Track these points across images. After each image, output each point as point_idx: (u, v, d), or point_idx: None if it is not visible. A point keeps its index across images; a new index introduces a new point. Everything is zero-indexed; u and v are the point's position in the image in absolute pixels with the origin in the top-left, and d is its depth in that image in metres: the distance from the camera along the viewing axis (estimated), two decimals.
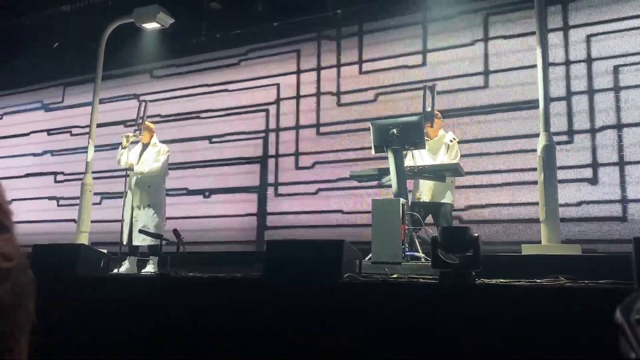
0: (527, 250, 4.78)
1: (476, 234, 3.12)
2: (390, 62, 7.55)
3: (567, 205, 5.99)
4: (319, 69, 8.06)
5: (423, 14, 7.41)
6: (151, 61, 8.90)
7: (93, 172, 7.48)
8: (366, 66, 7.76)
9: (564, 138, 6.35)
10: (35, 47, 9.43)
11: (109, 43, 7.90)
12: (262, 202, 8.02)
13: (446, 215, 5.32)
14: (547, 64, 5.39)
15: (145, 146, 6.15)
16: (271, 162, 8.12)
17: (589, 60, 6.43)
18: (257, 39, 8.31)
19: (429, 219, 5.36)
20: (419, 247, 4.57)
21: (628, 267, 2.86)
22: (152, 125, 6.31)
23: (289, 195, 7.88)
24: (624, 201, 5.96)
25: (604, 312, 2.47)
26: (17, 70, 9.95)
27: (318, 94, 7.98)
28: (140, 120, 6.18)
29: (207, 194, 8.36)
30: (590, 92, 6.39)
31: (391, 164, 4.70)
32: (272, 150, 8.13)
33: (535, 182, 5.41)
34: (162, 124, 8.25)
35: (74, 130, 9.70)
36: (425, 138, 5.05)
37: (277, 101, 8.22)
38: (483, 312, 2.78)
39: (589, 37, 6.49)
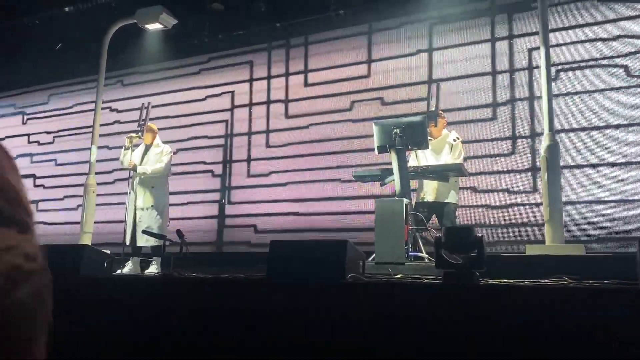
0: (531, 250, 4.77)
1: (480, 234, 3.11)
2: (336, 72, 7.81)
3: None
4: (268, 77, 8.39)
5: (369, 25, 7.70)
6: (154, 62, 8.94)
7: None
8: (312, 77, 8.04)
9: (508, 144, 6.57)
10: (38, 48, 9.46)
11: (112, 44, 7.92)
12: (221, 205, 8.33)
13: (450, 215, 5.31)
14: (549, 65, 5.38)
15: (148, 147, 6.16)
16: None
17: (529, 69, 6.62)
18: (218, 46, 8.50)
19: (433, 218, 5.36)
20: (422, 248, 4.57)
21: (633, 267, 2.85)
22: (154, 127, 6.32)
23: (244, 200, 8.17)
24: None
25: (609, 312, 2.47)
26: (19, 71, 9.98)
27: (268, 101, 8.32)
28: (143, 122, 6.20)
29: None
30: (531, 98, 6.56)
31: (394, 164, 4.69)
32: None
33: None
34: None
35: (78, 131, 9.74)
36: (429, 137, 5.04)
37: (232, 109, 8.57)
38: (487, 312, 2.77)
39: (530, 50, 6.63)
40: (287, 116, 8.16)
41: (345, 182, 7.31)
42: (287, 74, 8.25)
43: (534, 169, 6.36)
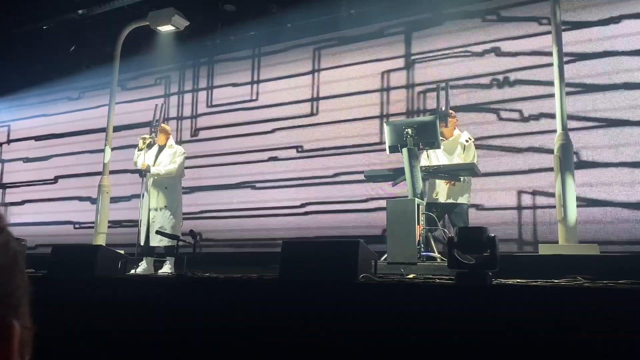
0: (544, 250, 4.74)
1: (493, 234, 3.10)
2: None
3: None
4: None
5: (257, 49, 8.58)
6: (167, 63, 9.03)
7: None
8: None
9: None
10: (52, 51, 9.57)
11: (125, 46, 8.00)
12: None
13: (463, 215, 5.30)
14: (562, 63, 5.34)
15: (161, 148, 6.21)
16: None
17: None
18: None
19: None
20: (434, 248, 4.56)
21: None
22: (167, 127, 6.36)
23: None
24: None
25: (623, 312, 2.45)
26: (34, 74, 10.09)
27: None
28: (156, 123, 6.24)
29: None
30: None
31: (406, 164, 4.69)
32: None
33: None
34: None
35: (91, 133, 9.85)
36: (441, 138, 5.03)
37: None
38: (500, 312, 2.76)
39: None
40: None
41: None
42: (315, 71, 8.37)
43: (546, 169, 6.31)
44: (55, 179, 10.16)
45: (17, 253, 0.39)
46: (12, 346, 0.36)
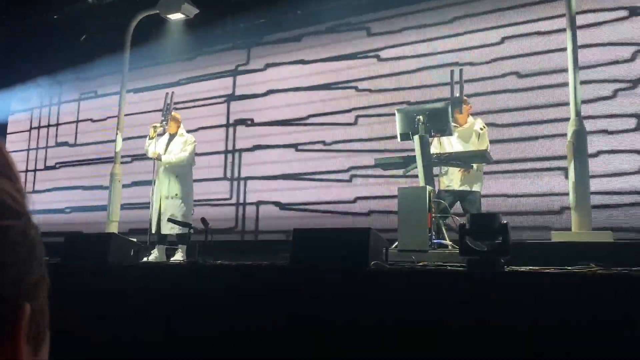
0: (557, 237, 4.70)
1: (505, 221, 3.08)
2: None
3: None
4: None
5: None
6: (177, 52, 9.01)
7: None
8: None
9: None
10: (63, 41, 9.59)
11: (135, 35, 8.01)
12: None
13: (475, 203, 5.27)
14: (576, 49, 5.26)
15: (172, 136, 6.22)
16: None
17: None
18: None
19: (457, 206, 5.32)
20: (446, 235, 4.54)
21: None
22: (178, 116, 6.37)
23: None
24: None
25: (637, 299, 2.43)
26: (44, 64, 10.14)
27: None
28: (167, 111, 6.24)
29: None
30: None
31: (417, 151, 4.66)
32: None
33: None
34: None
35: (104, 121, 9.90)
36: (455, 125, 4.98)
37: None
38: (512, 299, 2.75)
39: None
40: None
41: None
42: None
43: (560, 156, 6.25)
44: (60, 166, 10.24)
45: (34, 239, 0.41)
46: (20, 328, 0.38)
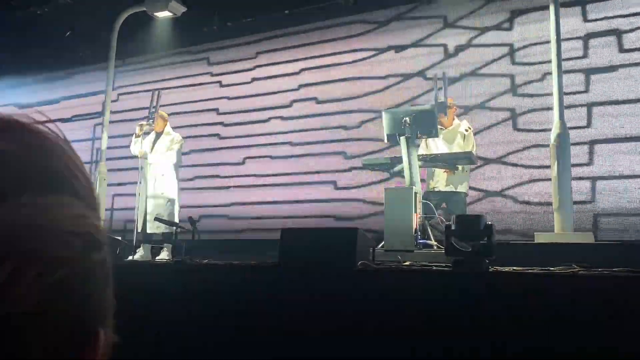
0: (540, 238, 4.78)
1: (490, 222, 3.13)
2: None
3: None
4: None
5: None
6: (164, 49, 8.97)
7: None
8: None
9: None
10: (48, 37, 9.48)
11: (121, 31, 7.95)
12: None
13: (460, 204, 5.33)
14: (560, 54, 5.34)
15: (158, 135, 6.20)
16: None
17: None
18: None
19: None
20: (431, 236, 4.59)
21: None
22: (165, 114, 6.35)
23: None
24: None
25: (618, 300, 2.49)
26: (29, 60, 10.02)
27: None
28: (154, 109, 6.22)
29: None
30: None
31: (404, 152, 4.70)
32: None
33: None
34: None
35: (89, 119, 9.81)
36: (441, 127, 5.03)
37: None
38: (496, 299, 2.80)
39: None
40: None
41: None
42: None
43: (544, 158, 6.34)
44: None
45: (109, 267, 0.42)
46: (97, 353, 0.40)
